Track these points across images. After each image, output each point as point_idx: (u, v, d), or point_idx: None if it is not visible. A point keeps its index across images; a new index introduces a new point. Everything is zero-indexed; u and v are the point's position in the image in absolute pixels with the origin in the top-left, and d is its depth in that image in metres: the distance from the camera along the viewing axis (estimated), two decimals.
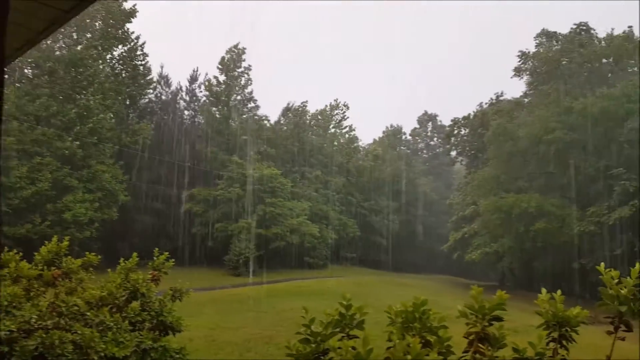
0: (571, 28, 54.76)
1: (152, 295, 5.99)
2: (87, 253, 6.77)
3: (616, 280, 2.96)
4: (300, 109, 68.58)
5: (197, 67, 67.47)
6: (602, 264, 3.08)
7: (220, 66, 59.52)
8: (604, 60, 51.93)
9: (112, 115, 42.43)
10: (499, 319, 3.06)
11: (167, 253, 6.56)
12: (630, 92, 42.17)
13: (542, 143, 46.19)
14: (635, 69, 49.32)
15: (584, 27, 54.28)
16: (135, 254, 6.41)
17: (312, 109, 71.04)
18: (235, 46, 59.89)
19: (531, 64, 56.03)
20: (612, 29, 51.21)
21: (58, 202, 37.18)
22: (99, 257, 6.83)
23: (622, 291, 2.89)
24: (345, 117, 75.19)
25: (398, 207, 76.74)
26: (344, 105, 74.26)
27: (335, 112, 74.65)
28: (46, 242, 6.57)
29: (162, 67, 59.46)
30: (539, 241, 45.99)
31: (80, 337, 5.09)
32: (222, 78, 59.57)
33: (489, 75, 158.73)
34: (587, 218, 42.16)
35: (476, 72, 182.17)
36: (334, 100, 73.67)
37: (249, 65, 60.06)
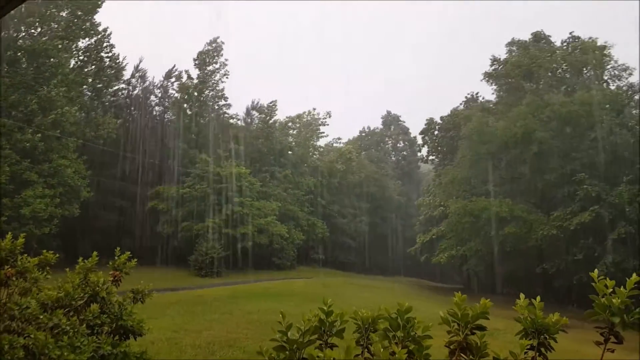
0: (529, 38, 56.54)
1: (112, 297, 5.63)
2: (44, 251, 6.36)
3: (610, 290, 2.84)
4: (269, 108, 67.86)
5: (175, 64, 66.53)
6: (596, 270, 2.96)
7: (196, 60, 58.61)
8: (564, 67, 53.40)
9: (76, 109, 41.00)
10: (482, 328, 2.98)
11: (129, 252, 6.21)
12: (600, 99, 43.66)
13: (520, 143, 46.71)
14: (590, 74, 51.15)
15: (542, 35, 56.06)
16: (95, 253, 6.06)
17: (291, 111, 71.16)
18: (215, 40, 59.10)
19: (503, 69, 56.83)
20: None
21: (16, 197, 35.65)
22: (58, 255, 6.44)
23: (615, 302, 2.77)
24: (326, 124, 75.40)
25: (367, 208, 77.12)
26: (327, 114, 74.70)
27: (314, 117, 74.75)
28: None
29: (140, 60, 57.02)
30: (508, 246, 46.65)
31: (33, 341, 4.73)
32: (196, 73, 58.84)
33: (462, 79, 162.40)
34: (551, 222, 42.82)
35: (449, 77, 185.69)
36: (313, 108, 74.58)
37: (226, 60, 59.40)
